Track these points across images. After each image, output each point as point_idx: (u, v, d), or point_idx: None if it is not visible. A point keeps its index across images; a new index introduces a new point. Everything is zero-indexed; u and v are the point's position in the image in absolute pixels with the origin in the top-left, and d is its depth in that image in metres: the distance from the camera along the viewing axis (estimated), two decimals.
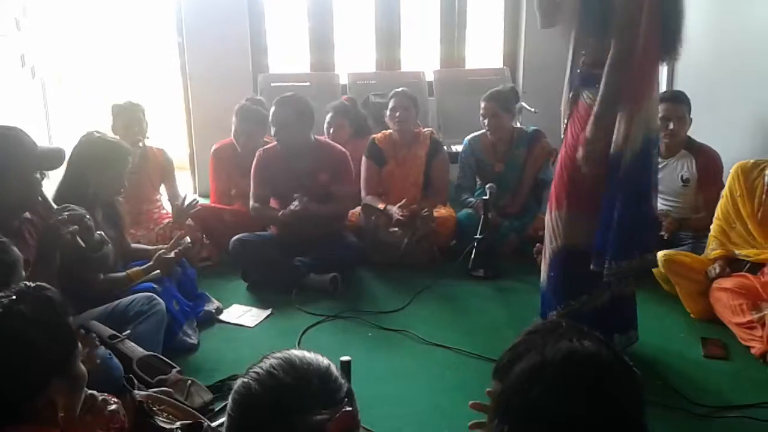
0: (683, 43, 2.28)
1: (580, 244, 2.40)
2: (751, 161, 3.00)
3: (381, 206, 3.61)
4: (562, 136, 2.53)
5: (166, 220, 3.55)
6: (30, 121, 4.33)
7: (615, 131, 2.27)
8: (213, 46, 4.81)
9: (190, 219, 3.43)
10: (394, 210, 3.53)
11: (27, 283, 1.21)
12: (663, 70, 4.12)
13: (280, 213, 3.24)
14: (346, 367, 1.80)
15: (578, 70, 2.40)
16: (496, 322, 2.85)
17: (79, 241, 2.06)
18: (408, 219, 3.52)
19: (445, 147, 4.55)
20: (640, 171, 2.30)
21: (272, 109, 3.36)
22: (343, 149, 3.51)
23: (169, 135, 5.45)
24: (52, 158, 2.13)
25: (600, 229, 2.35)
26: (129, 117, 3.53)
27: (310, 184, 3.33)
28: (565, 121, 2.49)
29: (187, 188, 5.02)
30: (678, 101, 3.35)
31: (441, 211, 3.70)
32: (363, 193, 3.73)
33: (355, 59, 5.45)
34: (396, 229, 3.56)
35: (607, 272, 2.33)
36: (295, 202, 3.19)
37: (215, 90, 4.83)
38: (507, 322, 2.82)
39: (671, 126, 3.31)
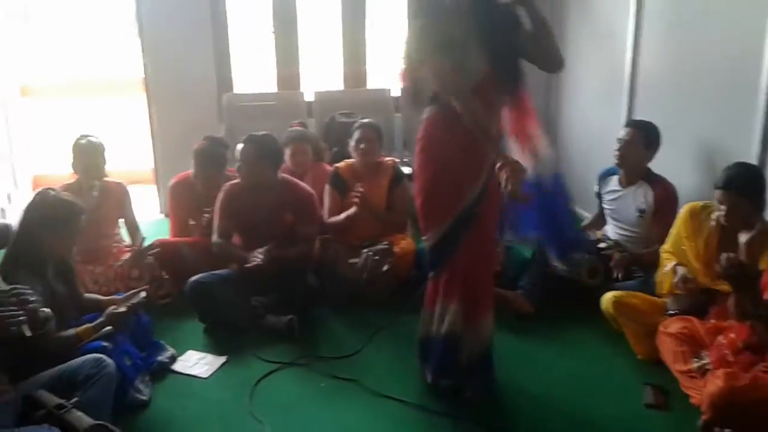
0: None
1: None
2: (701, 204, 3.06)
3: (343, 216, 3.69)
4: None
5: (125, 255, 3.56)
6: None
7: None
8: (176, 66, 4.80)
9: (149, 257, 3.45)
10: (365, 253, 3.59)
11: None
12: (623, 102, 4.18)
13: (246, 265, 3.23)
14: None
15: None
16: None
17: (25, 330, 2.09)
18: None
19: (409, 168, 4.61)
20: None
21: (239, 145, 3.41)
22: (309, 190, 3.54)
23: (136, 147, 5.49)
24: None
25: None
26: (88, 162, 3.51)
27: (275, 222, 3.37)
28: None
29: (153, 206, 5.05)
30: (627, 125, 3.56)
31: (401, 243, 3.74)
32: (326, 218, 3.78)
33: (321, 76, 5.46)
34: (356, 260, 3.60)
35: None
36: (260, 256, 3.21)
37: (179, 110, 4.86)
38: None
39: (617, 148, 3.50)
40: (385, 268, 3.57)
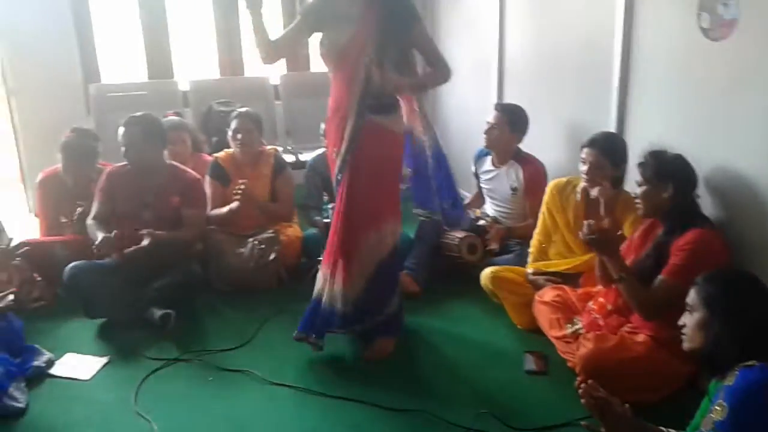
0: None
1: None
2: (564, 179, 3.27)
3: (226, 210, 3.62)
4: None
5: None
6: None
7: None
8: (36, 59, 4.51)
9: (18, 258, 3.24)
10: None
11: None
12: (493, 86, 4.36)
13: (126, 251, 3.10)
14: None
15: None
16: (341, 351, 2.91)
17: None
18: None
19: (293, 156, 4.61)
20: None
21: (121, 128, 3.27)
22: (196, 175, 3.47)
23: None
24: None
25: None
26: None
27: (161, 206, 3.28)
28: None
29: (20, 207, 4.73)
30: (495, 109, 3.71)
31: (287, 231, 3.72)
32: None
33: (196, 65, 5.30)
34: (242, 250, 3.56)
35: None
36: (145, 241, 3.09)
37: (43, 105, 4.58)
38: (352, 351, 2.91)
39: (485, 131, 3.68)
40: (272, 256, 3.55)
